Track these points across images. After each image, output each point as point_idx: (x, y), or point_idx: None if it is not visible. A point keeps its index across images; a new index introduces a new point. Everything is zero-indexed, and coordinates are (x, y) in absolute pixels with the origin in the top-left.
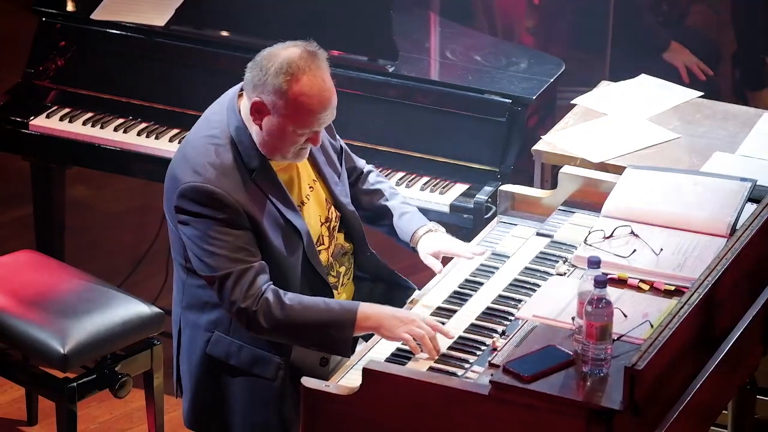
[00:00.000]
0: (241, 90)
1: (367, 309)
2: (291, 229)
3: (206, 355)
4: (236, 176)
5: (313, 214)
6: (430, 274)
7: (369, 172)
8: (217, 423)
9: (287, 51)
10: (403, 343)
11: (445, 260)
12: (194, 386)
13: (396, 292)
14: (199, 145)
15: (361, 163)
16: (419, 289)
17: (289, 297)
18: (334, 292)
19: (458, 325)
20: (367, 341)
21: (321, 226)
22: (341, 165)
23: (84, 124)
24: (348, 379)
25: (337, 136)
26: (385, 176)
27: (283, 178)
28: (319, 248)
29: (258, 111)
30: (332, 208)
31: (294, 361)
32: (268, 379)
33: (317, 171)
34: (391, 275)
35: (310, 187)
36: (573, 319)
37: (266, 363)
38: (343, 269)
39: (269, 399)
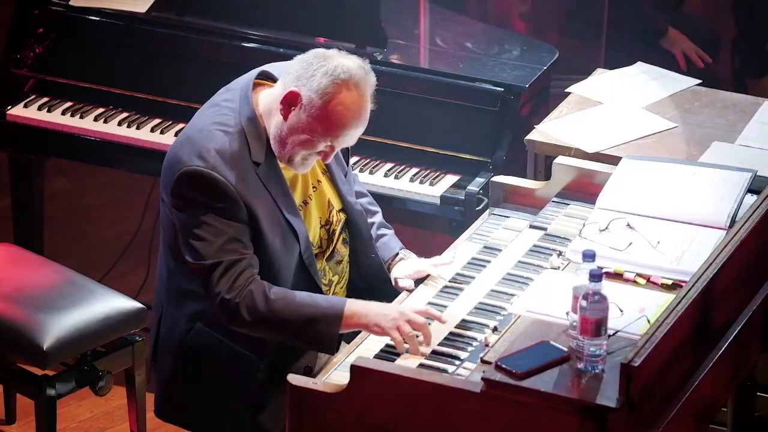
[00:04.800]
0: (257, 79)
1: (354, 305)
2: (289, 230)
3: (185, 347)
4: (241, 167)
5: (314, 216)
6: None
7: (353, 175)
8: (189, 416)
9: (345, 58)
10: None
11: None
12: (169, 377)
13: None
14: (206, 130)
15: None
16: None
17: (275, 291)
18: None
19: (450, 320)
20: (349, 343)
21: (320, 228)
22: (347, 164)
23: (63, 113)
24: (335, 376)
25: None
26: (374, 167)
27: (287, 175)
28: (315, 251)
29: (290, 102)
30: (334, 211)
31: (275, 367)
32: (245, 380)
33: (326, 167)
34: (388, 286)
35: (313, 188)
36: (567, 314)
37: (245, 363)
38: (336, 278)
39: (246, 401)
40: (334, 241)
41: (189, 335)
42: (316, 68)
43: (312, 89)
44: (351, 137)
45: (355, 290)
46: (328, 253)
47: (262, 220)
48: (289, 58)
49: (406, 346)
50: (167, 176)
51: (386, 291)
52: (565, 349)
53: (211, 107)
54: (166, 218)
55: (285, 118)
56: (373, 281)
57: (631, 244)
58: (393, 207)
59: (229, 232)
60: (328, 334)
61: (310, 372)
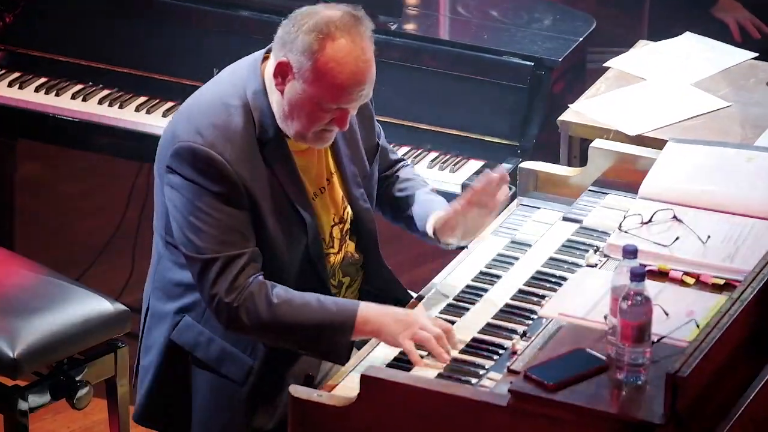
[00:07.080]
0: (267, 52)
1: (368, 310)
2: (297, 219)
3: (170, 342)
4: (244, 145)
5: (327, 210)
6: (435, 267)
7: (402, 166)
8: (172, 422)
9: (328, 10)
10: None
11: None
12: (152, 376)
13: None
14: (207, 103)
15: (394, 157)
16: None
17: (278, 293)
18: None
19: (472, 325)
20: (360, 349)
21: (333, 226)
22: (372, 165)
23: (37, 90)
24: (343, 387)
25: (381, 133)
26: None
27: (300, 162)
28: (328, 251)
29: (282, 73)
30: (348, 208)
31: (270, 371)
32: (235, 382)
33: (338, 165)
34: (400, 293)
35: (327, 179)
36: (605, 317)
37: (236, 363)
38: (347, 280)
39: (235, 405)
40: (347, 243)
41: (175, 330)
42: (298, 29)
43: (298, 52)
44: (357, 94)
45: (366, 296)
46: (341, 254)
47: (263, 206)
48: None
49: (423, 353)
50: (163, 153)
51: (396, 301)
52: (603, 357)
53: (216, 80)
54: (159, 198)
55: (282, 92)
56: (383, 289)
57: (677, 238)
58: None
59: (226, 221)
60: (338, 342)
61: (311, 381)
